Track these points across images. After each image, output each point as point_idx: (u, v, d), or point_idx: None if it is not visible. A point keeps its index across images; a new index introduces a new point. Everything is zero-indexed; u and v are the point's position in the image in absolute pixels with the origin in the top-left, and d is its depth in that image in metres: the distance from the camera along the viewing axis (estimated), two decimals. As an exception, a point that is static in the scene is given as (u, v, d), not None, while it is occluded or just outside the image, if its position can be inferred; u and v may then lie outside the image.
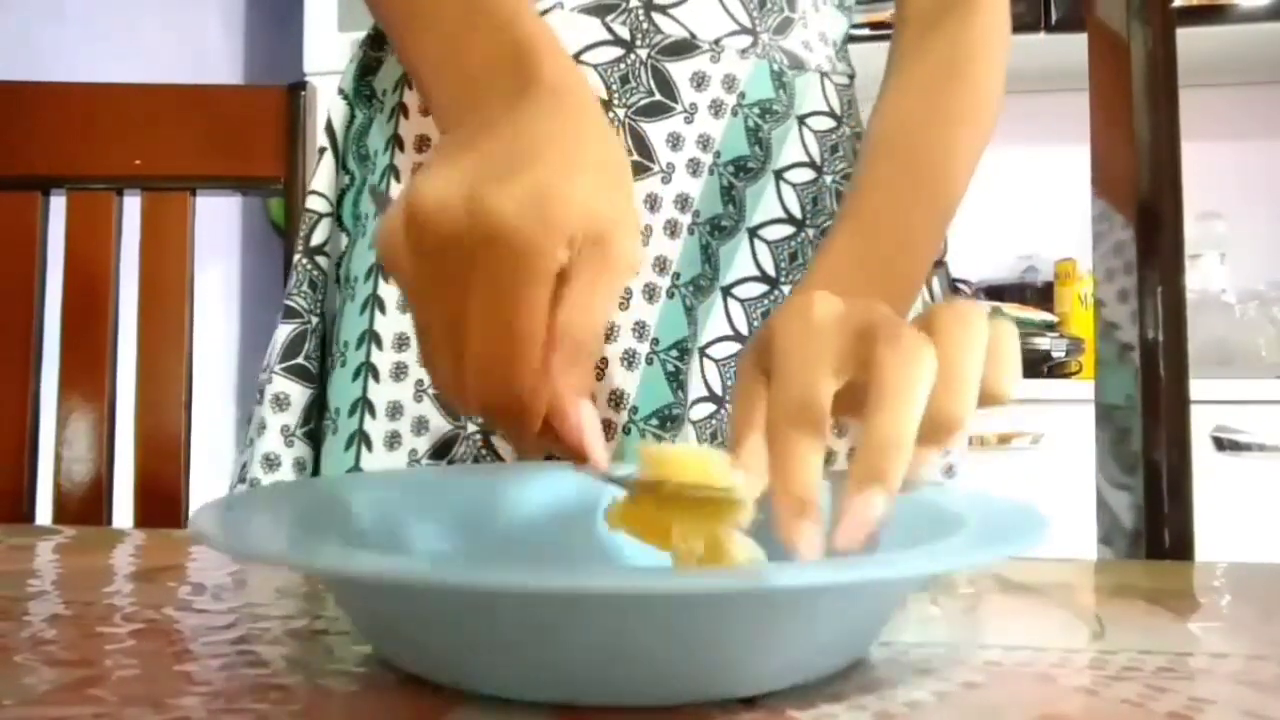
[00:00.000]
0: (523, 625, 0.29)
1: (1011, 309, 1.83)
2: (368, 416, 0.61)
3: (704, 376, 0.62)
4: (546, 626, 0.29)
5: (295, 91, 0.88)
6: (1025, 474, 1.64)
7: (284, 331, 0.65)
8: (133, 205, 0.88)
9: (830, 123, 0.68)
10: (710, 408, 0.62)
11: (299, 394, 0.64)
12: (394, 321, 0.62)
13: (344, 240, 0.66)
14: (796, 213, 0.65)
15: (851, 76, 0.72)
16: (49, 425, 0.85)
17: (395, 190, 0.63)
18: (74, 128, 0.88)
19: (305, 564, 0.32)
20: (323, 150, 0.67)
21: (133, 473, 0.84)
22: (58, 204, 0.88)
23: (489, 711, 0.30)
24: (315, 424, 0.65)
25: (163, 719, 0.29)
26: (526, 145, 0.39)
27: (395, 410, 0.61)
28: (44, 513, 0.85)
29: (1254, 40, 1.87)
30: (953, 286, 2.06)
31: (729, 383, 0.62)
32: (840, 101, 0.69)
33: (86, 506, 0.84)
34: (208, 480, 0.81)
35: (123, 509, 0.85)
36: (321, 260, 0.66)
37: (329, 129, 0.68)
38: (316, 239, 0.66)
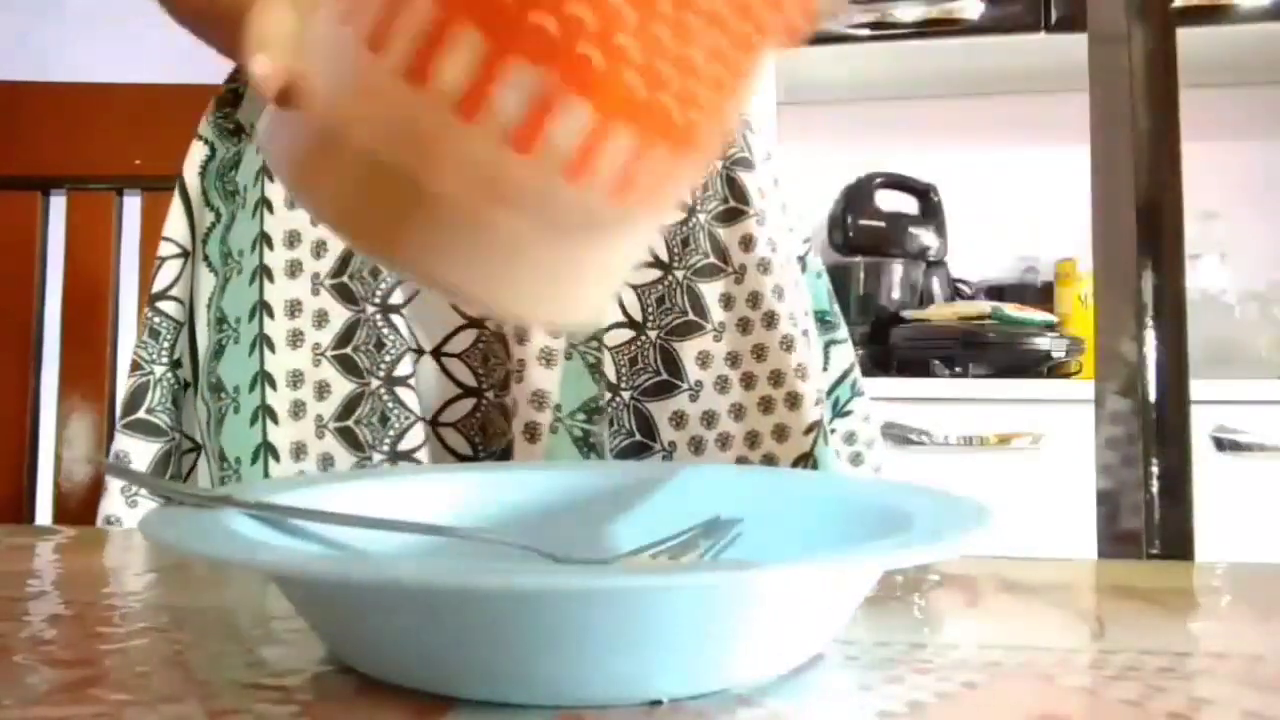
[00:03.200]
0: (507, 629, 0.29)
1: (1011, 309, 1.83)
2: (272, 461, 0.61)
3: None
4: (540, 628, 0.29)
5: (295, 91, 0.88)
6: (1025, 474, 1.64)
7: (127, 385, 0.65)
8: (133, 205, 0.88)
9: None
10: (607, 395, 0.63)
11: (141, 450, 0.64)
12: (285, 359, 0.62)
13: (211, 280, 0.65)
14: (663, 255, 0.65)
15: None
16: (49, 425, 0.85)
17: (269, 222, 0.63)
18: (74, 128, 0.88)
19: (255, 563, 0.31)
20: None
21: (133, 473, 0.84)
22: (58, 204, 0.88)
23: (489, 712, 0.30)
24: (173, 475, 0.65)
25: (163, 719, 0.29)
26: None
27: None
28: (44, 513, 0.85)
29: (1254, 40, 1.87)
30: (953, 286, 2.06)
31: (623, 371, 0.64)
32: None
33: (86, 506, 0.84)
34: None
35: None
36: (166, 306, 0.66)
37: (180, 177, 0.67)
38: (160, 284, 0.66)
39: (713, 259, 0.66)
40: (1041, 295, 2.04)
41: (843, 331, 0.75)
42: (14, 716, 0.30)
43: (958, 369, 1.77)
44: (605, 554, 0.43)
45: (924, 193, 2.05)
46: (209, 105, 0.69)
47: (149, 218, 0.88)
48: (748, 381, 0.65)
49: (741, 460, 0.65)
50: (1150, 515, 0.66)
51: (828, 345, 0.73)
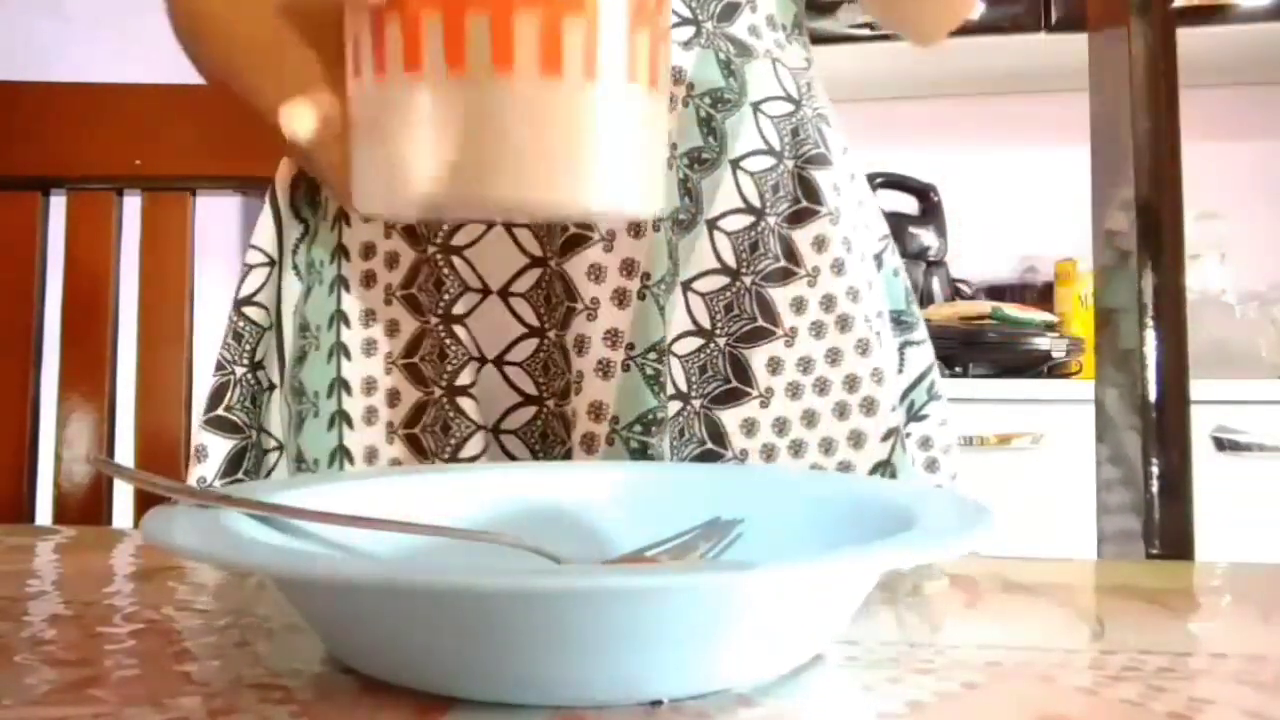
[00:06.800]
0: (507, 629, 0.29)
1: (1011, 309, 1.83)
2: (347, 464, 0.63)
3: (670, 375, 0.61)
4: (540, 628, 0.29)
5: (295, 91, 0.88)
6: (1025, 474, 1.64)
7: (211, 384, 0.66)
8: (133, 205, 0.88)
9: (788, 106, 0.65)
10: (677, 405, 0.61)
11: (218, 445, 0.65)
12: (359, 367, 0.64)
13: (298, 288, 0.66)
14: (755, 202, 0.63)
15: (809, 60, 0.71)
16: (49, 425, 0.85)
17: (347, 234, 0.65)
18: (74, 128, 0.88)
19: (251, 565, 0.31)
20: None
21: (133, 473, 0.84)
22: (58, 204, 0.88)
23: (489, 712, 0.30)
24: (247, 470, 0.66)
25: (163, 719, 0.29)
26: None
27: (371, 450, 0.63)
28: (44, 513, 0.85)
29: (1254, 40, 1.87)
30: (953, 286, 2.06)
31: (693, 379, 0.62)
32: (797, 85, 0.67)
33: (86, 506, 0.84)
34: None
35: (123, 509, 0.85)
36: (251, 311, 0.67)
37: (271, 188, 0.68)
38: (246, 290, 0.67)
39: (783, 262, 0.63)
40: (1041, 295, 2.04)
41: (920, 332, 0.72)
42: (14, 716, 0.30)
43: (958, 369, 1.77)
44: (605, 554, 0.43)
45: (924, 193, 2.05)
46: None
47: (149, 218, 0.88)
48: (821, 387, 0.63)
49: (816, 468, 0.63)
50: (1150, 515, 0.66)
51: (903, 346, 0.71)
